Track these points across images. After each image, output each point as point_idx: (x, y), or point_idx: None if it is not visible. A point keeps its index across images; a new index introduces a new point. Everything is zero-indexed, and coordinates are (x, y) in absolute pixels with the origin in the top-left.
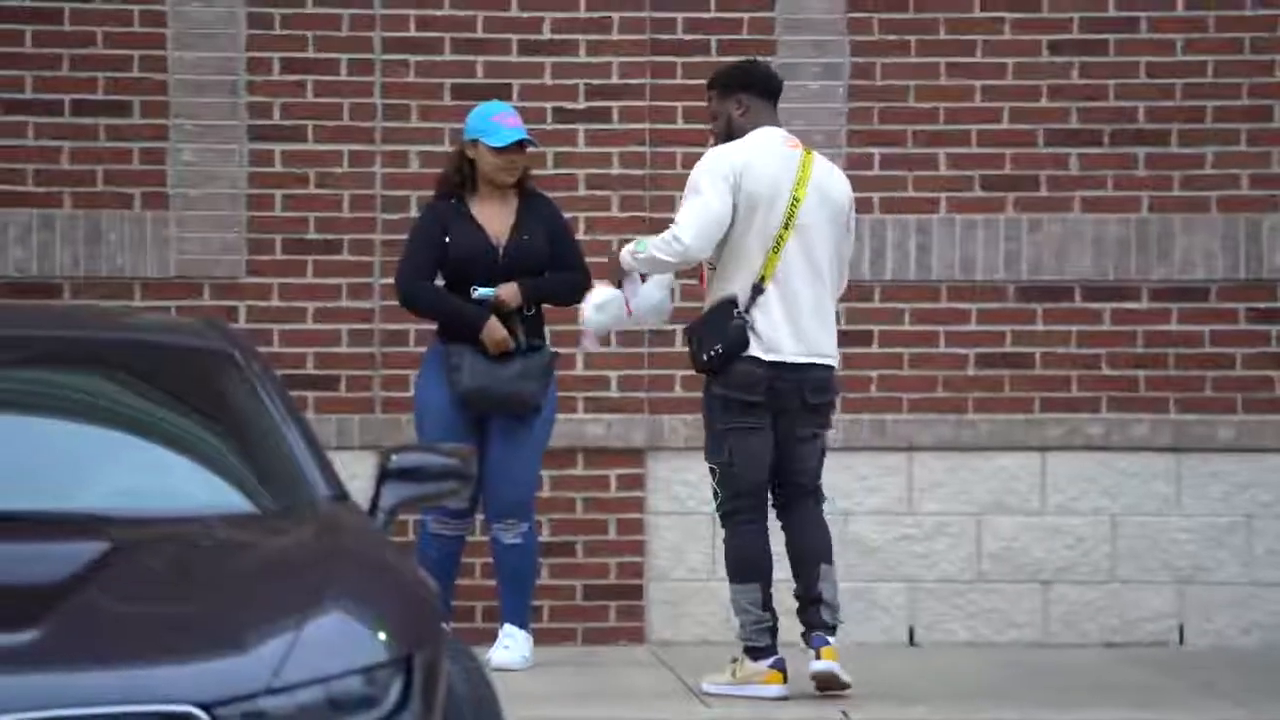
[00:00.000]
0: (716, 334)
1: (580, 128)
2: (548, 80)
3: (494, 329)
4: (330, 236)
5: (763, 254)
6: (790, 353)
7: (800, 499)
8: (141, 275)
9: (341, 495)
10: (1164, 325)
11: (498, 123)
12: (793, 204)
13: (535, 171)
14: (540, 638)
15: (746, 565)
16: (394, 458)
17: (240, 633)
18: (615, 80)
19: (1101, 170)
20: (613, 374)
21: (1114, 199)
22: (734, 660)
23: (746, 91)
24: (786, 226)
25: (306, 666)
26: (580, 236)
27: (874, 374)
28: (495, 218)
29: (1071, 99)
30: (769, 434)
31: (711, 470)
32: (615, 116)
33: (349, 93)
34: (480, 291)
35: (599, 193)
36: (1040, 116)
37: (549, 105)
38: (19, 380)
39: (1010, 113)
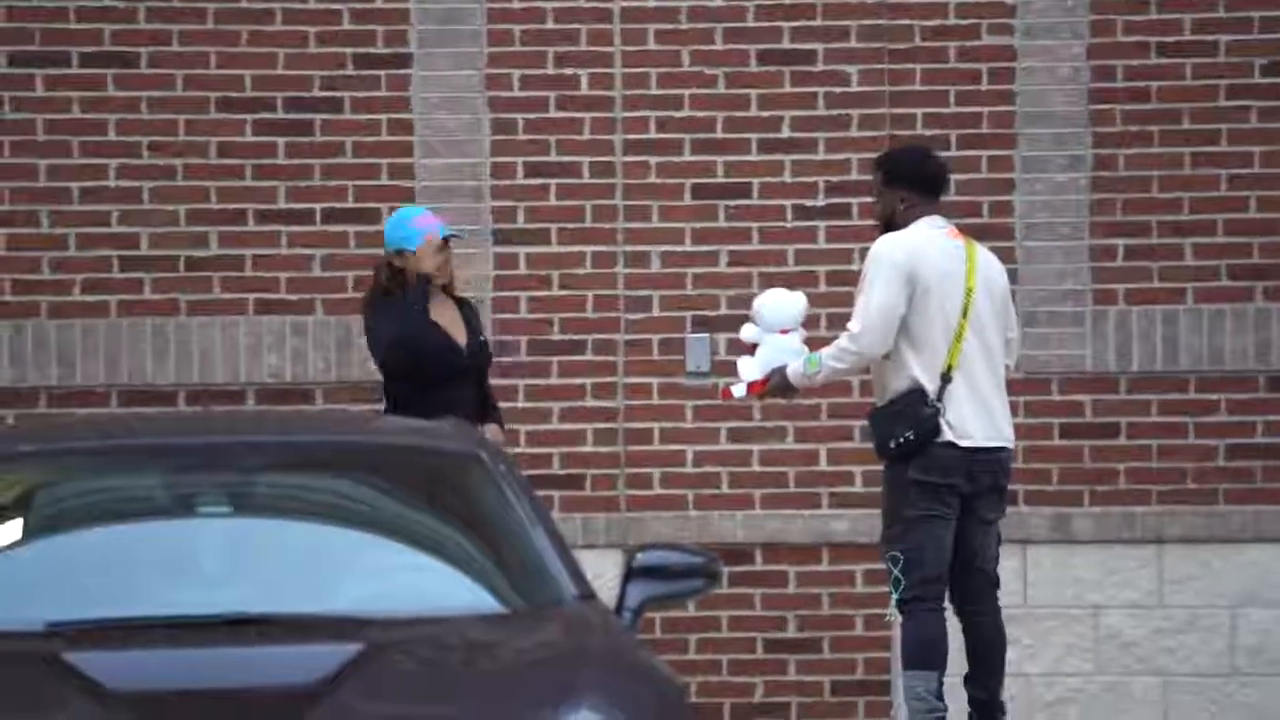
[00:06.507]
0: (907, 421)
1: (820, 225)
2: (787, 178)
3: None
4: (574, 337)
5: (946, 343)
6: (981, 437)
7: (984, 590)
8: None
9: (588, 594)
10: None
11: (419, 224)
12: (968, 294)
13: (774, 269)
14: None
15: (929, 651)
16: (638, 556)
17: None
18: (854, 176)
19: None
20: (856, 469)
21: None
22: None
23: (911, 189)
24: (964, 316)
25: None
26: (819, 332)
27: (1121, 466)
28: (446, 319)
29: None
30: (955, 522)
31: (893, 558)
32: (855, 213)
33: (591, 195)
34: None
35: (839, 289)
36: None
37: (788, 203)
38: (273, 485)
39: (1257, 201)
